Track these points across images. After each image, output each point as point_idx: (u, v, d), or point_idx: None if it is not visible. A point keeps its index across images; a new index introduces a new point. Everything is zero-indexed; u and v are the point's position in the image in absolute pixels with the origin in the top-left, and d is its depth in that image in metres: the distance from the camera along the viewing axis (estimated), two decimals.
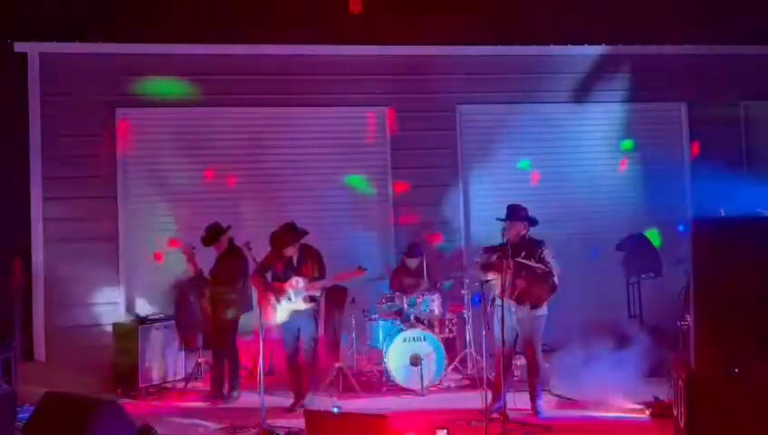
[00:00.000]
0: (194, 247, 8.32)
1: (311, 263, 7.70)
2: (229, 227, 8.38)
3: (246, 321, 8.45)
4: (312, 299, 7.65)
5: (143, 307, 9.33)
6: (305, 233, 7.79)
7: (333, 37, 10.06)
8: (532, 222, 7.39)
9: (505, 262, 7.00)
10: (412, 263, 9.32)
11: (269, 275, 7.82)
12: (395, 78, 10.27)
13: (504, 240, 7.17)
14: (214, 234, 8.26)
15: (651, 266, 9.72)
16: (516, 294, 7.11)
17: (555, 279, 7.17)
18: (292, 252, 7.71)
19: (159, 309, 9.16)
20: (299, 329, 7.72)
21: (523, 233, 7.31)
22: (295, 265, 7.70)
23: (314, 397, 7.74)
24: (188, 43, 9.87)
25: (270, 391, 7.37)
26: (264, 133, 10.06)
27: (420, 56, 10.37)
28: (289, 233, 7.69)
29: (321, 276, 7.69)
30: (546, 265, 7.15)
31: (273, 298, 7.60)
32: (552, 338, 8.07)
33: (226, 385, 8.20)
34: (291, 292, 7.57)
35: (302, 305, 7.60)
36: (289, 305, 7.60)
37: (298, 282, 7.57)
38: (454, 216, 10.33)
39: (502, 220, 7.27)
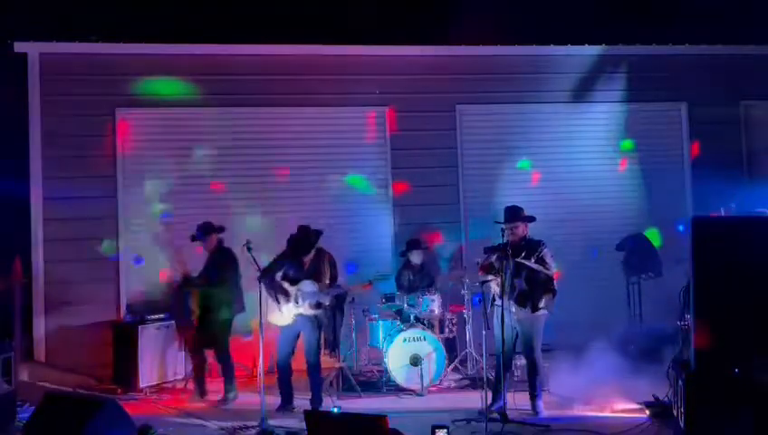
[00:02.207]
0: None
1: (324, 268, 7.52)
2: (222, 228, 8.37)
3: (245, 321, 8.45)
4: (318, 306, 7.46)
5: (143, 307, 9.32)
6: (321, 233, 7.62)
7: (333, 37, 10.07)
8: (531, 220, 7.40)
9: (505, 262, 7.00)
10: (416, 257, 9.32)
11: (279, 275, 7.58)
12: (395, 78, 10.27)
13: (505, 240, 7.18)
14: (205, 231, 8.26)
15: (651, 266, 9.72)
16: (516, 294, 7.12)
17: (554, 283, 7.19)
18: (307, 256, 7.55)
19: (159, 309, 9.15)
20: (298, 334, 7.57)
21: (524, 233, 7.32)
22: (306, 268, 7.51)
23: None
24: (188, 44, 9.88)
25: (270, 390, 7.35)
26: (264, 133, 10.06)
27: (420, 56, 10.37)
28: (310, 239, 7.50)
29: (333, 283, 7.56)
30: (545, 265, 7.16)
31: (279, 300, 7.42)
32: (552, 338, 8.07)
33: (222, 387, 8.16)
34: (299, 295, 7.41)
35: (307, 311, 7.44)
36: (294, 309, 7.45)
37: (308, 286, 7.41)
38: (454, 216, 10.33)
39: (502, 224, 7.27)
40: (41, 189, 9.41)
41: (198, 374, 8.28)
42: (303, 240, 7.53)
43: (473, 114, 10.53)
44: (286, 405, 7.54)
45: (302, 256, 7.50)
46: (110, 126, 9.66)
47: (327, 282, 7.54)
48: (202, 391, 8.22)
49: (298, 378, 7.75)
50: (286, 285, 7.45)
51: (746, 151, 10.97)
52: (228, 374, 8.15)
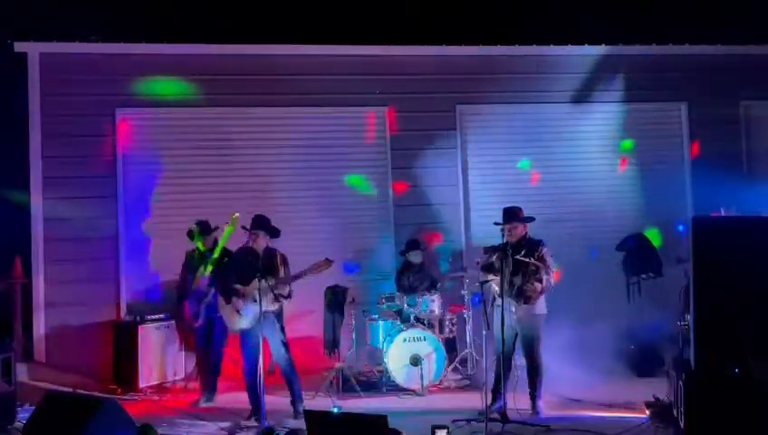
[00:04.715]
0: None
1: (277, 265, 7.25)
2: (217, 227, 8.32)
3: None
4: (277, 299, 7.15)
5: (143, 307, 9.31)
6: (278, 232, 7.42)
7: (334, 37, 10.07)
8: (530, 220, 7.40)
9: (505, 261, 7.00)
10: (415, 257, 9.30)
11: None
12: (395, 78, 10.26)
13: (505, 240, 7.19)
14: (205, 230, 8.25)
15: (651, 266, 9.71)
16: (514, 291, 7.13)
17: (551, 278, 7.18)
18: (259, 248, 7.27)
19: (159, 309, 9.15)
20: (262, 337, 7.06)
21: (523, 233, 7.33)
22: (258, 265, 7.16)
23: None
24: (189, 44, 9.88)
25: (270, 391, 7.33)
26: (264, 133, 10.06)
27: (420, 56, 10.37)
28: (263, 220, 7.41)
29: (287, 275, 7.26)
30: (545, 264, 7.16)
31: (234, 302, 7.17)
32: (552, 338, 8.06)
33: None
34: (255, 293, 7.02)
35: (267, 307, 7.07)
36: (254, 307, 7.05)
37: (265, 281, 7.05)
38: (454, 216, 10.33)
39: (500, 224, 7.28)
40: (41, 189, 9.40)
41: (205, 374, 8.21)
42: (261, 219, 7.40)
43: (473, 114, 10.53)
44: (254, 415, 7.16)
45: (257, 231, 7.28)
46: (109, 126, 9.66)
47: (282, 275, 7.25)
48: (211, 392, 8.13)
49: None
50: (238, 286, 7.21)
51: (746, 151, 10.96)
52: (214, 376, 8.13)
